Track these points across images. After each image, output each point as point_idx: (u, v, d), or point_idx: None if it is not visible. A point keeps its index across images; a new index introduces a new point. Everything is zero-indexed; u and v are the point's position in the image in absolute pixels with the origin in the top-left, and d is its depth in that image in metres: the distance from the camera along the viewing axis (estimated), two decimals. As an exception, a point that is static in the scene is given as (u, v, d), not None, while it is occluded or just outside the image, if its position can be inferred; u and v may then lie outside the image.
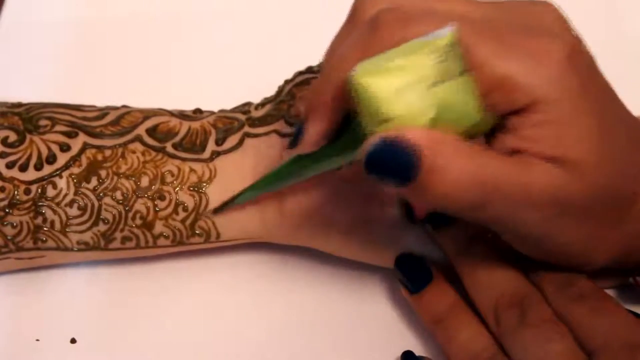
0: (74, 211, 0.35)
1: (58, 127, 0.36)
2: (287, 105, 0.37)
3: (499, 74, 0.27)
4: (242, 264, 0.39)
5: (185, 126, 0.37)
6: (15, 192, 0.35)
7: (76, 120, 0.37)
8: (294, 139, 0.32)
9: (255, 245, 0.38)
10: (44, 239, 0.35)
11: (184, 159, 0.36)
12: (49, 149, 0.35)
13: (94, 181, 0.35)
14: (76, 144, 0.36)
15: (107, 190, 0.35)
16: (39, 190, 0.35)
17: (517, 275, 0.33)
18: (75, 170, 0.35)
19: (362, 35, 0.29)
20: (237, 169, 0.36)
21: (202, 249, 0.38)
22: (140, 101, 0.39)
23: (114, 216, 0.35)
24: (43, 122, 0.36)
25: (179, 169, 0.36)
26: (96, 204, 0.35)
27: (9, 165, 0.35)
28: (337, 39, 0.31)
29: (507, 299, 0.32)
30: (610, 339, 0.30)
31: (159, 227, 0.36)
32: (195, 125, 0.37)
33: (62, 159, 0.35)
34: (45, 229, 0.35)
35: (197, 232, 0.36)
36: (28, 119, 0.36)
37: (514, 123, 0.28)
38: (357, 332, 0.37)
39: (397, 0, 0.29)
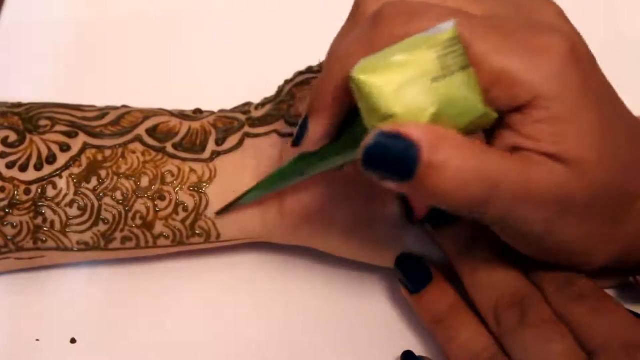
0: (74, 211, 0.35)
1: (58, 127, 0.36)
2: (287, 105, 0.37)
3: (500, 69, 0.27)
4: (242, 264, 0.39)
5: (185, 126, 0.37)
6: (15, 192, 0.35)
7: (76, 120, 0.37)
8: (297, 137, 0.32)
9: (255, 245, 0.38)
10: (44, 239, 0.35)
11: (184, 159, 0.36)
12: (49, 149, 0.35)
13: (94, 181, 0.35)
14: (76, 144, 0.36)
15: (107, 191, 0.35)
16: (39, 190, 0.35)
17: (517, 275, 0.33)
18: (75, 170, 0.35)
19: (365, 31, 0.29)
20: (237, 169, 0.36)
21: (202, 249, 0.38)
22: (140, 101, 0.39)
23: (114, 216, 0.35)
24: (43, 122, 0.36)
25: (179, 169, 0.36)
26: (96, 204, 0.35)
27: (9, 165, 0.35)
28: (340, 35, 0.31)
29: (507, 299, 0.32)
30: (611, 339, 0.30)
31: (159, 227, 0.36)
32: (195, 125, 0.37)
33: (62, 159, 0.35)
34: (45, 229, 0.35)
35: (197, 232, 0.36)
36: (28, 119, 0.36)
37: (515, 120, 0.28)
38: (357, 332, 0.37)
39: None
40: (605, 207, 0.30)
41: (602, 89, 0.30)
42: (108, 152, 0.36)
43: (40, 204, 0.35)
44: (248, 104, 0.39)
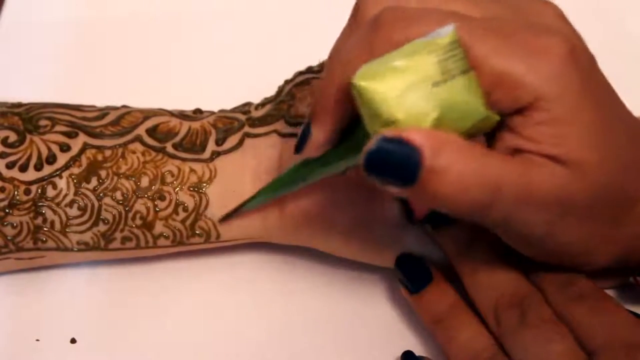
0: (74, 211, 0.35)
1: (58, 127, 0.36)
2: (287, 105, 0.37)
3: (500, 72, 0.27)
4: (242, 264, 0.39)
5: (185, 126, 0.37)
6: (15, 193, 0.35)
7: (76, 120, 0.37)
8: (299, 144, 0.32)
9: (255, 245, 0.38)
10: (44, 239, 0.35)
11: (184, 159, 0.36)
12: (49, 149, 0.35)
13: (94, 181, 0.35)
14: (76, 144, 0.36)
15: (107, 191, 0.35)
16: (39, 190, 0.35)
17: (517, 275, 0.33)
18: (75, 170, 0.35)
19: (365, 35, 0.29)
20: (237, 169, 0.36)
21: (202, 249, 0.38)
22: (140, 101, 0.39)
23: (114, 216, 0.35)
24: (43, 122, 0.36)
25: (179, 169, 0.36)
26: (96, 204, 0.35)
27: (9, 166, 0.35)
28: (339, 39, 0.31)
29: (507, 299, 0.32)
30: (611, 339, 0.30)
31: (159, 227, 0.36)
32: (195, 125, 0.37)
33: (62, 159, 0.35)
34: (45, 229, 0.35)
35: (197, 232, 0.36)
36: (28, 119, 0.36)
37: (516, 122, 0.28)
38: (357, 332, 0.37)
39: (398, 0, 0.29)
40: (606, 209, 0.30)
41: (602, 90, 0.30)
42: (108, 152, 0.36)
43: (40, 204, 0.35)
44: (248, 104, 0.39)
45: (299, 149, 0.32)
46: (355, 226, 0.35)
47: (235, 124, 0.37)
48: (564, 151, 0.27)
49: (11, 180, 0.35)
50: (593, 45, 0.30)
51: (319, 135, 0.31)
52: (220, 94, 0.41)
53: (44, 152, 0.35)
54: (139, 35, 0.50)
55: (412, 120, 0.26)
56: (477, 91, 0.27)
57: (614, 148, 0.29)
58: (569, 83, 0.27)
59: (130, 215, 0.35)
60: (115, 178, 0.35)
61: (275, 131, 0.37)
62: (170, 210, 0.35)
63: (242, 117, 0.38)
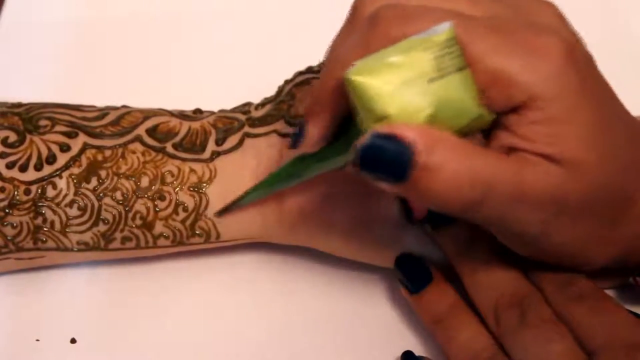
0: (74, 211, 0.35)
1: (58, 127, 0.36)
2: (287, 105, 0.37)
3: (496, 70, 0.27)
4: (242, 264, 0.39)
5: (185, 126, 0.37)
6: (15, 193, 0.35)
7: (76, 120, 0.37)
8: (295, 140, 0.32)
9: (255, 245, 0.38)
10: (44, 239, 0.35)
11: (184, 159, 0.36)
12: (49, 149, 0.35)
13: (94, 181, 0.35)
14: (76, 144, 0.36)
15: (107, 191, 0.35)
16: (39, 190, 0.35)
17: (517, 275, 0.33)
18: (75, 170, 0.35)
19: (362, 32, 0.29)
20: (237, 169, 0.36)
21: (202, 249, 0.38)
22: (140, 101, 0.39)
23: (114, 216, 0.35)
24: (43, 122, 0.36)
25: (179, 169, 0.36)
26: (96, 204, 0.35)
27: (9, 166, 0.35)
28: (337, 38, 0.31)
29: (507, 299, 0.32)
30: (610, 339, 0.30)
31: (159, 227, 0.36)
32: (195, 125, 0.37)
33: (62, 159, 0.35)
34: (45, 229, 0.35)
35: (197, 232, 0.36)
36: (28, 119, 0.36)
37: (511, 120, 0.28)
38: (357, 332, 0.37)
39: None
40: (604, 209, 0.30)
41: (600, 90, 0.29)
42: (108, 152, 0.36)
43: (40, 204, 0.35)
44: (248, 104, 0.39)
45: (294, 144, 0.32)
46: (354, 226, 0.35)
47: (235, 124, 0.37)
48: (559, 150, 0.27)
49: (11, 180, 0.35)
50: (593, 45, 0.30)
51: (315, 132, 0.31)
52: (220, 94, 0.41)
53: (44, 152, 0.35)
54: (139, 35, 0.50)
55: (406, 116, 0.26)
56: (473, 89, 0.27)
57: (611, 148, 0.29)
58: (566, 83, 0.27)
59: (130, 215, 0.35)
60: (115, 178, 0.35)
61: (275, 131, 0.37)
62: (170, 210, 0.35)
63: (242, 117, 0.38)
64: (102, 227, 0.35)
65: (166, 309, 0.38)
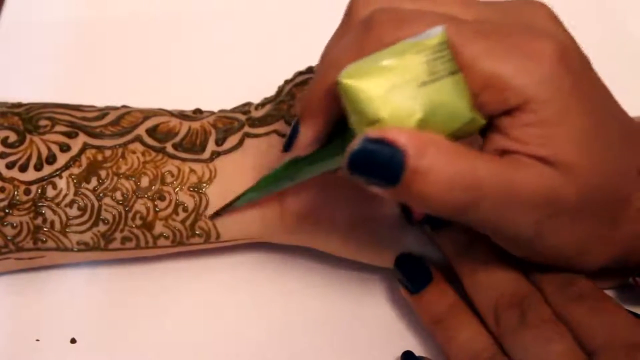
0: (73, 211, 0.35)
1: (58, 128, 0.36)
2: (287, 105, 0.37)
3: (490, 73, 0.27)
4: (242, 264, 0.39)
5: (185, 126, 0.37)
6: (15, 193, 0.35)
7: (76, 120, 0.37)
8: (288, 142, 0.32)
9: (255, 245, 0.38)
10: (44, 239, 0.35)
11: (184, 159, 0.36)
12: (49, 149, 0.35)
13: (93, 181, 0.35)
14: (76, 144, 0.36)
15: (107, 191, 0.35)
16: (39, 190, 0.35)
17: (516, 275, 0.33)
18: (75, 170, 0.35)
19: (356, 36, 0.29)
20: (237, 169, 0.36)
21: (202, 249, 0.38)
22: (140, 101, 0.39)
23: (113, 216, 0.35)
24: (43, 122, 0.36)
25: (179, 170, 0.36)
26: (96, 204, 0.35)
27: (9, 166, 0.35)
28: (331, 40, 0.31)
29: (507, 299, 0.32)
30: (610, 339, 0.30)
31: (158, 227, 0.36)
32: (195, 125, 0.37)
33: (62, 159, 0.35)
34: (45, 229, 0.35)
35: (197, 232, 0.36)
36: (28, 119, 0.36)
37: (504, 123, 0.28)
38: (356, 332, 0.37)
39: (391, 1, 0.29)
40: (599, 210, 0.30)
41: (595, 91, 0.30)
42: (108, 153, 0.36)
43: (40, 204, 0.35)
44: (248, 104, 0.39)
45: (287, 147, 0.32)
46: (354, 226, 0.35)
47: (235, 124, 0.37)
48: (552, 152, 0.27)
49: (11, 180, 0.35)
50: (590, 46, 0.30)
51: (307, 134, 0.31)
52: (220, 94, 0.41)
53: (44, 152, 0.35)
54: (139, 35, 0.50)
55: (397, 120, 0.26)
56: (465, 93, 0.27)
57: (606, 149, 0.29)
58: (559, 85, 0.27)
59: (130, 215, 0.35)
60: (115, 178, 0.35)
61: (275, 131, 0.37)
62: (170, 210, 0.35)
63: (242, 117, 0.38)
64: (102, 227, 0.35)
65: (166, 309, 0.38)
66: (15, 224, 0.35)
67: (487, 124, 0.28)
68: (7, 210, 0.35)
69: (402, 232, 0.35)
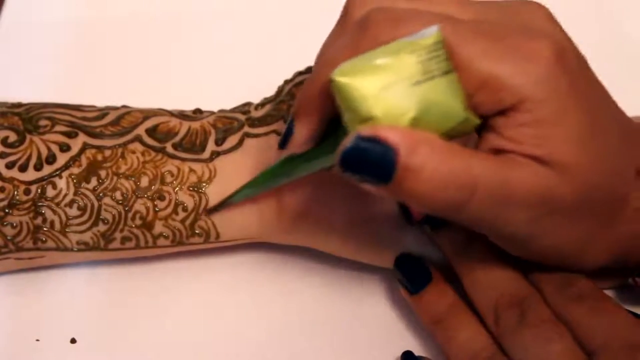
0: (73, 211, 0.35)
1: (58, 127, 0.36)
2: (286, 105, 0.37)
3: (485, 73, 0.27)
4: (242, 264, 0.39)
5: (185, 126, 0.37)
6: (15, 193, 0.35)
7: (76, 120, 0.37)
8: (283, 140, 0.32)
9: (255, 245, 0.38)
10: (44, 239, 0.35)
11: (183, 159, 0.36)
12: (49, 149, 0.35)
13: (93, 181, 0.35)
14: (76, 144, 0.36)
15: (107, 191, 0.35)
16: (39, 190, 0.35)
17: (516, 275, 0.33)
18: (75, 170, 0.35)
19: (352, 35, 0.29)
20: (236, 169, 0.36)
21: (202, 249, 0.38)
22: (140, 101, 0.39)
23: (113, 216, 0.35)
24: (43, 122, 0.36)
25: (179, 169, 0.36)
26: (96, 204, 0.35)
27: (9, 166, 0.35)
28: (328, 40, 0.31)
29: (507, 299, 0.32)
30: (610, 339, 0.30)
31: (158, 227, 0.36)
32: (195, 125, 0.37)
33: (61, 159, 0.35)
34: (45, 229, 0.35)
35: (196, 232, 0.36)
36: (28, 119, 0.36)
37: (499, 123, 0.28)
38: (356, 333, 0.37)
39: (387, 1, 0.29)
40: (595, 211, 0.30)
41: (591, 91, 0.29)
42: (108, 152, 0.36)
43: (40, 204, 0.35)
44: (248, 104, 0.39)
45: (282, 144, 0.32)
46: (354, 226, 0.35)
47: (235, 124, 0.37)
48: (547, 152, 0.27)
49: (11, 180, 0.35)
50: (588, 47, 0.30)
51: (302, 133, 0.31)
52: (220, 94, 0.41)
53: (44, 152, 0.35)
54: (139, 35, 0.50)
55: (390, 119, 0.26)
56: (459, 93, 0.27)
57: (602, 149, 0.29)
58: (555, 86, 0.27)
59: (130, 215, 0.35)
60: (115, 178, 0.35)
61: (274, 131, 0.37)
62: (169, 210, 0.35)
63: (242, 117, 0.38)
64: (101, 227, 0.35)
65: (166, 309, 0.38)
66: (15, 224, 0.35)
67: (481, 123, 0.28)
68: (7, 210, 0.35)
69: (402, 232, 0.35)
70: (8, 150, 0.35)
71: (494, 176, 0.27)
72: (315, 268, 0.39)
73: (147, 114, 0.38)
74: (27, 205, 0.35)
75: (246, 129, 0.37)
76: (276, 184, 0.34)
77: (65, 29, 0.50)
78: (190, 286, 0.38)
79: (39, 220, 0.35)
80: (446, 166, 0.26)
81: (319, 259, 0.38)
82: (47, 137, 0.36)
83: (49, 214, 0.35)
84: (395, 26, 0.28)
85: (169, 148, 0.36)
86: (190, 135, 0.37)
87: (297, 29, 0.49)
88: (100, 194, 0.35)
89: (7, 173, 0.35)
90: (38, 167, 0.35)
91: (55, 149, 0.35)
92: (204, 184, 0.36)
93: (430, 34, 0.27)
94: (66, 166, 0.35)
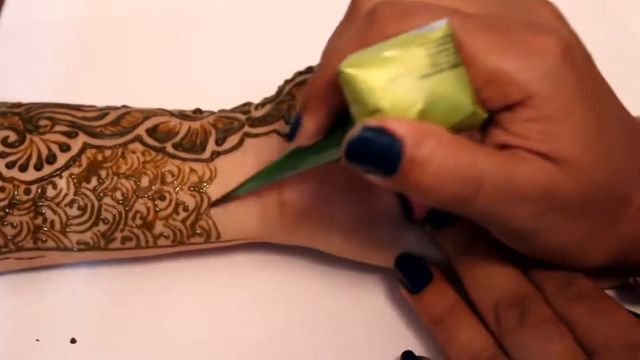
0: (74, 211, 0.35)
1: (58, 127, 0.36)
2: (287, 105, 0.37)
3: (493, 68, 0.27)
4: (242, 264, 0.39)
5: (185, 126, 0.37)
6: (15, 192, 0.35)
7: (76, 120, 0.37)
8: (291, 132, 0.32)
9: (255, 245, 0.38)
10: (44, 239, 0.35)
11: (184, 159, 0.36)
12: (49, 149, 0.35)
13: (94, 181, 0.35)
14: (76, 144, 0.36)
15: (107, 191, 0.35)
16: (39, 190, 0.35)
17: (517, 275, 0.33)
18: (75, 170, 0.35)
19: (359, 28, 0.29)
20: (237, 169, 0.36)
21: (202, 249, 0.38)
22: (140, 101, 0.39)
23: (114, 216, 0.35)
24: (43, 122, 0.36)
25: (179, 169, 0.36)
26: (96, 204, 0.35)
27: (9, 165, 0.35)
28: (335, 33, 0.32)
29: (507, 299, 0.32)
30: (610, 339, 0.30)
31: (159, 227, 0.36)
32: (195, 125, 0.37)
33: (62, 159, 0.35)
34: (45, 229, 0.35)
35: (197, 232, 0.36)
36: (28, 119, 0.36)
37: (505, 118, 0.28)
38: (357, 332, 0.37)
39: None
40: (598, 208, 0.30)
41: (598, 89, 0.29)
42: (108, 152, 0.36)
43: (40, 204, 0.35)
44: (248, 104, 0.39)
45: (290, 137, 0.32)
46: (354, 226, 0.35)
47: (235, 124, 0.37)
48: (552, 148, 0.27)
49: (11, 180, 0.35)
50: (593, 45, 0.30)
51: (310, 125, 0.31)
52: (220, 94, 0.41)
53: (44, 152, 0.35)
54: (139, 35, 0.50)
55: (397, 111, 0.26)
56: (467, 86, 0.27)
57: (608, 147, 0.29)
58: (562, 82, 0.27)
59: (130, 215, 0.35)
60: (115, 178, 0.35)
61: (275, 131, 0.37)
62: (170, 210, 0.35)
63: (242, 117, 0.38)
64: (102, 227, 0.35)
65: (166, 309, 0.38)
66: (15, 224, 0.35)
67: (487, 118, 0.28)
68: (7, 210, 0.35)
69: (403, 232, 0.35)
70: (8, 150, 0.35)
71: (500, 171, 0.27)
72: (315, 268, 0.39)
73: (147, 114, 0.38)
74: (27, 205, 0.35)
75: (246, 128, 0.37)
76: (282, 177, 0.34)
77: (65, 29, 0.50)
78: (190, 286, 0.38)
79: (39, 220, 0.35)
80: (453, 159, 0.26)
81: (320, 259, 0.38)
82: (47, 137, 0.36)
83: (49, 213, 0.35)
84: (403, 19, 0.28)
85: (169, 148, 0.36)
86: (191, 135, 0.37)
87: (297, 29, 0.49)
88: (101, 194, 0.35)
89: (8, 173, 0.35)
90: (38, 167, 0.35)
91: (55, 148, 0.35)
92: (204, 184, 0.36)
93: (439, 27, 0.26)
94: (66, 166, 0.35)
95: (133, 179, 0.35)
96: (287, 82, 0.39)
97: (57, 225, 0.35)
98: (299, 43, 0.44)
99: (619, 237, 0.31)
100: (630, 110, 0.32)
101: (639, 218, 0.31)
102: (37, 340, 0.36)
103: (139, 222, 0.35)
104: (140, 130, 0.37)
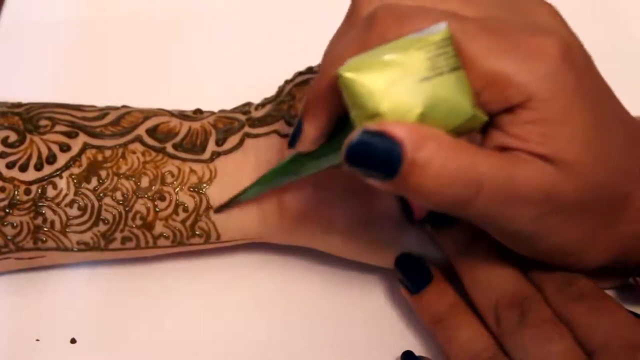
0: (74, 211, 0.35)
1: (58, 127, 0.36)
2: (287, 105, 0.37)
3: (492, 71, 0.27)
4: (242, 264, 0.39)
5: (185, 126, 0.37)
6: (16, 192, 0.35)
7: (76, 120, 0.37)
8: (292, 138, 0.32)
9: (255, 245, 0.38)
10: (44, 239, 0.35)
11: (184, 160, 0.36)
12: (49, 149, 0.35)
13: (94, 181, 0.35)
14: (76, 144, 0.36)
15: (107, 191, 0.35)
16: (39, 190, 0.35)
17: (517, 275, 0.33)
18: (76, 170, 0.35)
19: (359, 32, 0.29)
20: (237, 170, 0.36)
21: (202, 250, 0.38)
22: (140, 101, 0.39)
23: (114, 216, 0.35)
24: (43, 122, 0.36)
25: (179, 170, 0.36)
26: (96, 204, 0.35)
27: (9, 166, 0.35)
28: (335, 37, 0.31)
29: (507, 299, 0.32)
30: (610, 339, 0.30)
31: (159, 227, 0.36)
32: (196, 125, 0.37)
33: (62, 159, 0.35)
34: (45, 229, 0.35)
35: (197, 232, 0.36)
36: (28, 119, 0.36)
37: (504, 120, 0.28)
38: (357, 332, 0.37)
39: None
40: (598, 209, 0.30)
41: (597, 90, 0.29)
42: (108, 153, 0.36)
43: (40, 204, 0.35)
44: (248, 104, 0.39)
45: (291, 143, 0.32)
46: (354, 226, 0.35)
47: (236, 124, 0.37)
48: (552, 150, 0.27)
49: (11, 180, 0.35)
50: (593, 46, 0.30)
51: (311, 131, 0.31)
52: (220, 94, 0.41)
53: (44, 152, 0.35)
54: (139, 35, 0.50)
55: (397, 114, 0.26)
56: (467, 90, 0.27)
57: (607, 148, 0.29)
58: (562, 83, 0.27)
59: (130, 215, 0.35)
60: (116, 178, 0.35)
61: (275, 131, 0.37)
62: (170, 210, 0.35)
63: (242, 118, 0.38)
64: (102, 227, 0.35)
65: (166, 309, 0.38)
66: (15, 224, 0.35)
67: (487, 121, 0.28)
68: (7, 210, 0.35)
69: (402, 232, 0.35)
70: (8, 150, 0.35)
71: (500, 173, 0.27)
72: (315, 268, 0.39)
73: (148, 114, 0.38)
74: (27, 205, 0.35)
75: (247, 129, 0.37)
76: (285, 182, 0.34)
77: (65, 29, 0.50)
78: (190, 286, 0.38)
79: (39, 220, 0.35)
80: (453, 162, 0.26)
81: (319, 259, 0.38)
82: (47, 137, 0.36)
83: (49, 214, 0.35)
84: (402, 23, 0.28)
85: (170, 148, 0.36)
86: (191, 136, 0.37)
87: (297, 29, 0.49)
88: (101, 194, 0.35)
89: (8, 173, 0.35)
90: (38, 167, 0.35)
91: (55, 149, 0.35)
92: (204, 185, 0.36)
93: (439, 30, 0.26)
94: (66, 166, 0.35)
95: (133, 179, 0.35)
96: (287, 82, 0.39)
97: (57, 226, 0.35)
98: (299, 43, 0.44)
99: (619, 237, 0.31)
100: (629, 110, 0.32)
101: (639, 218, 0.31)
102: (37, 340, 0.36)
103: (139, 222, 0.35)
104: (141, 131, 0.37)
